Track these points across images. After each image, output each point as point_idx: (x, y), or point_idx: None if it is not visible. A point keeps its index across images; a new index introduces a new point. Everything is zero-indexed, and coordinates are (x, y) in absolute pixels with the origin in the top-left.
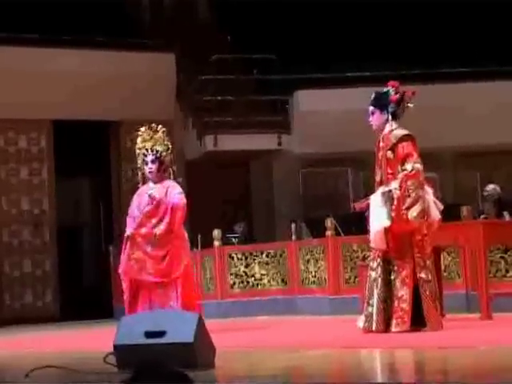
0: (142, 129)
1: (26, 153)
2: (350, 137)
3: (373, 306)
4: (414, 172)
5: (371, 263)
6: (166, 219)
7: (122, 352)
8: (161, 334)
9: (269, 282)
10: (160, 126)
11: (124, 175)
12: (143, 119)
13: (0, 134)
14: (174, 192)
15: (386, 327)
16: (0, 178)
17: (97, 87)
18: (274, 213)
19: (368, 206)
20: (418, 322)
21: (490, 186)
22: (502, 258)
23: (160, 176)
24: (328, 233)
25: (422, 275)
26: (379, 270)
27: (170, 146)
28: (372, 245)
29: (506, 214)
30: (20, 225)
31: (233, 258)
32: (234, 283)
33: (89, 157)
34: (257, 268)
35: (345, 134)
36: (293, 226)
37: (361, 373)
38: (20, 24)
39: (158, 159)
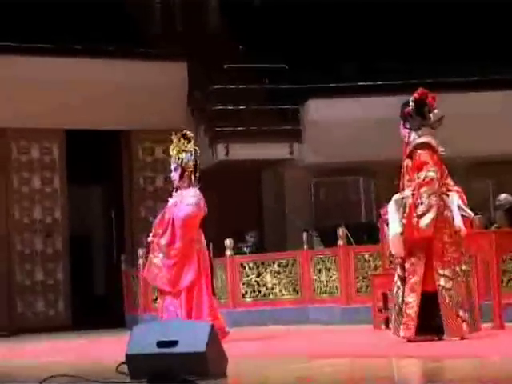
0: (173, 136)
1: (38, 162)
2: (362, 146)
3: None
4: (427, 180)
5: (397, 269)
6: (169, 230)
7: (135, 361)
8: (173, 343)
9: (280, 291)
10: (188, 132)
11: (135, 184)
12: (155, 128)
13: (12, 143)
14: (183, 202)
15: (397, 332)
16: (12, 187)
17: (109, 96)
18: (286, 222)
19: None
20: (434, 329)
21: (503, 196)
22: None
23: (182, 183)
24: (340, 242)
25: (441, 283)
26: (396, 277)
27: (195, 152)
28: (392, 251)
29: None
30: (32, 233)
31: (244, 267)
32: (246, 292)
33: (101, 166)
34: (268, 277)
35: (356, 143)
36: (304, 235)
37: (373, 383)
38: (32, 34)
39: (180, 166)
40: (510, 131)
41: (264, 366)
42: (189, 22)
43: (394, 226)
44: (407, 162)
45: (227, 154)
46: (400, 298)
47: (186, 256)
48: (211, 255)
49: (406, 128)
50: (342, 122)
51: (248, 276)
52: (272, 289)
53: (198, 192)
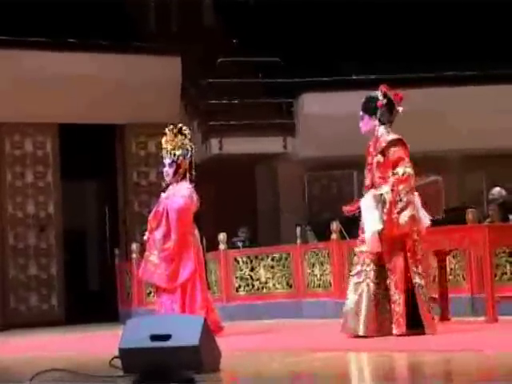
0: (167, 129)
1: (31, 156)
2: (356, 140)
3: (356, 310)
4: (405, 176)
5: (358, 267)
6: (164, 222)
7: (128, 355)
8: (166, 337)
9: (274, 285)
10: (185, 128)
11: (129, 178)
12: (149, 123)
13: (6, 137)
14: (176, 195)
15: (377, 332)
16: (6, 182)
17: (102, 91)
18: (279, 216)
19: (358, 208)
20: (415, 325)
21: (496, 189)
22: (507, 261)
23: (176, 179)
24: (333, 236)
25: (417, 280)
26: (372, 274)
27: (191, 149)
28: (367, 248)
29: (511, 217)
30: (25, 228)
31: (238, 261)
32: (240, 286)
33: (94, 160)
34: (262, 271)
35: (350, 137)
36: (298, 229)
37: (366, 376)
38: (27, 28)
39: (175, 163)
40: (502, 125)
41: (258, 360)
42: (183, 16)
43: (373, 222)
44: (378, 159)
45: (221, 148)
46: (379, 296)
47: (183, 250)
48: (204, 249)
49: (374, 121)
50: (336, 117)
51: (242, 270)
52: (266, 283)
53: (190, 185)
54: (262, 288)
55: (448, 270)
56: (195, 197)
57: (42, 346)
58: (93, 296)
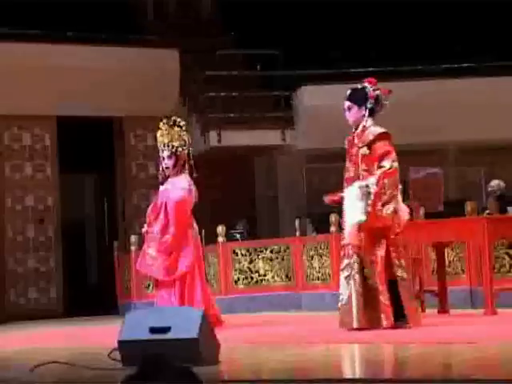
0: (162, 122)
1: (30, 149)
2: None
3: (347, 304)
4: (392, 170)
5: (345, 261)
6: (162, 214)
7: (127, 348)
8: (165, 329)
9: (273, 277)
10: (179, 120)
11: (128, 171)
12: (147, 115)
13: (4, 130)
14: (176, 187)
15: (369, 323)
16: (4, 175)
17: (100, 83)
18: (278, 208)
19: (341, 199)
20: (399, 317)
21: (494, 182)
22: (505, 253)
23: (176, 171)
24: (332, 228)
25: (399, 273)
26: (355, 266)
27: (188, 141)
28: (346, 240)
29: (510, 209)
30: (24, 221)
31: (237, 253)
32: (238, 279)
33: (93, 153)
34: (261, 264)
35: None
36: (297, 221)
37: (365, 367)
38: (24, 20)
39: (175, 154)
40: (502, 118)
41: (256, 353)
42: (181, 8)
43: (356, 213)
44: (364, 151)
45: (219, 140)
46: (362, 289)
47: (181, 243)
48: (203, 242)
49: (362, 112)
50: (334, 109)
51: (240, 262)
52: (264, 275)
53: (189, 178)
54: (261, 280)
55: (447, 262)
56: (194, 189)
57: (41, 339)
58: (92, 289)
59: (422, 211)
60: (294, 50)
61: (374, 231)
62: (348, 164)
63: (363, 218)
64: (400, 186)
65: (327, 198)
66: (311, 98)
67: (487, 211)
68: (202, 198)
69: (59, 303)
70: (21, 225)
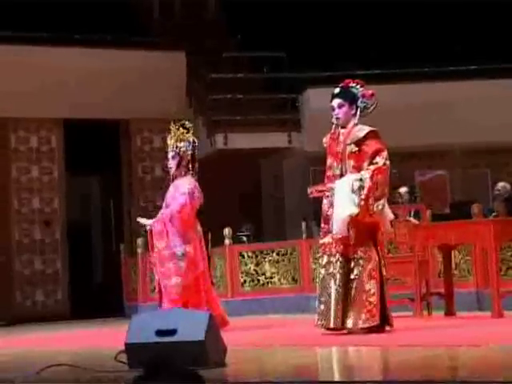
0: (171, 126)
1: (36, 151)
2: None
3: (325, 303)
4: (385, 167)
5: (324, 259)
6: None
7: (133, 350)
8: (172, 332)
9: (279, 280)
10: (187, 123)
11: (134, 173)
12: (153, 118)
13: (11, 132)
14: (178, 191)
15: (342, 324)
16: (11, 177)
17: (107, 86)
18: (285, 211)
19: (328, 190)
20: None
21: (500, 184)
22: None
23: (180, 172)
24: None
25: (384, 273)
26: (338, 265)
27: (193, 142)
28: (334, 231)
29: None
30: (31, 223)
31: (243, 256)
32: (245, 281)
33: (99, 155)
34: (267, 266)
35: None
36: (303, 224)
37: (371, 370)
38: (30, 22)
39: (178, 155)
40: (507, 120)
41: (263, 355)
42: (187, 11)
43: (348, 206)
44: (352, 148)
45: (226, 143)
46: (342, 289)
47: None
48: (209, 244)
49: (353, 110)
50: None
51: (247, 265)
52: (271, 278)
53: (192, 180)
54: (268, 283)
55: (453, 264)
56: (198, 192)
57: (47, 341)
58: (98, 291)
59: (428, 213)
60: (300, 53)
61: (362, 227)
62: (332, 162)
63: (356, 210)
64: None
65: (313, 190)
66: (317, 100)
67: (494, 213)
68: (208, 201)
69: (65, 305)
70: (27, 227)
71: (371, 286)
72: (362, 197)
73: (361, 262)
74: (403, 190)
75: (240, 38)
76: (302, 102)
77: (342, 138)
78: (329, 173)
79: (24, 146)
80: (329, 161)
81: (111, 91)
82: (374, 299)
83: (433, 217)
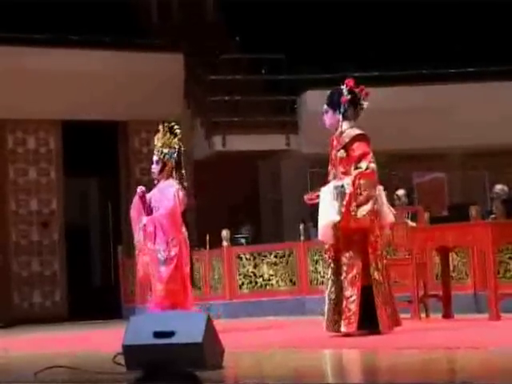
0: (160, 126)
1: (34, 153)
2: None
3: (326, 306)
4: (368, 171)
5: (330, 264)
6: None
7: (131, 352)
8: (170, 334)
9: (277, 282)
10: (176, 127)
11: (132, 175)
12: (151, 119)
13: (9, 134)
14: (162, 197)
15: (334, 328)
16: (8, 178)
17: (105, 87)
18: (282, 213)
19: (318, 198)
20: (370, 324)
21: (498, 187)
22: (510, 258)
23: (162, 176)
24: None
25: (376, 277)
26: (329, 271)
27: (178, 149)
28: (319, 238)
29: None
30: (28, 225)
31: (241, 258)
32: (243, 284)
33: (97, 157)
34: (265, 268)
35: None
36: (301, 226)
37: (369, 373)
38: (29, 25)
39: (162, 161)
40: (506, 123)
41: (261, 357)
42: (185, 12)
43: (330, 212)
44: (341, 154)
45: (224, 145)
46: (333, 294)
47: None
48: (207, 247)
49: (338, 116)
50: None
51: (245, 267)
52: (269, 280)
53: (175, 183)
54: (265, 285)
55: (451, 266)
56: (181, 196)
57: (45, 343)
58: (96, 292)
59: (426, 216)
60: (298, 55)
61: (350, 232)
62: (329, 167)
63: (337, 217)
64: (380, 187)
65: (306, 198)
66: (315, 102)
67: (492, 216)
68: (206, 202)
69: (63, 307)
70: (25, 228)
71: (352, 293)
72: (344, 203)
73: (344, 268)
74: (401, 192)
75: (239, 40)
76: (300, 104)
77: (335, 142)
78: (329, 178)
79: (22, 147)
80: (329, 166)
81: (109, 93)
82: (353, 306)
83: (431, 219)
